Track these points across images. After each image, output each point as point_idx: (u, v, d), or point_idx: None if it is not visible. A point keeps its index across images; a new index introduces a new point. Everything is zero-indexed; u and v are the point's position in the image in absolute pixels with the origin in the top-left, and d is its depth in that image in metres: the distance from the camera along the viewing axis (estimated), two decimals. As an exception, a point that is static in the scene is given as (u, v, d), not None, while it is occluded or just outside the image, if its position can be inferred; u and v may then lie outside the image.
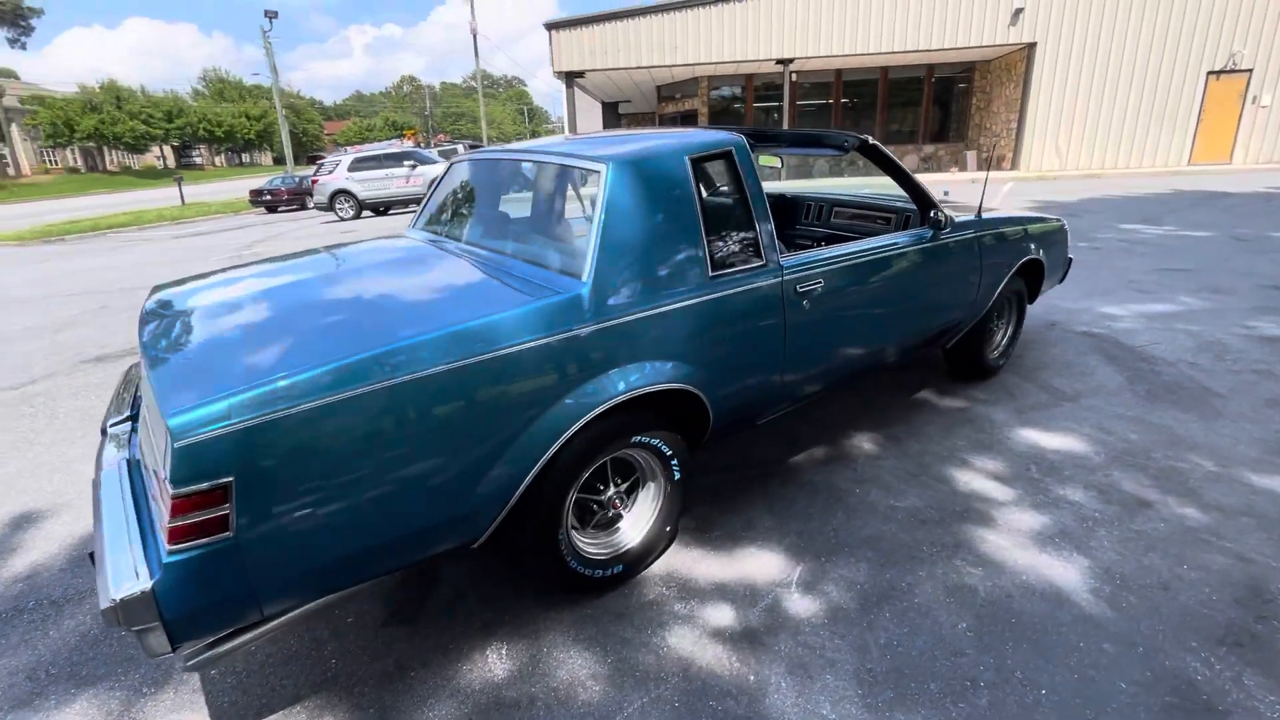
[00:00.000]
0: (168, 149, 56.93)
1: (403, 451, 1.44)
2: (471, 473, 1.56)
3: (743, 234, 2.10)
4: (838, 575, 2.04)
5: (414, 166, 15.47)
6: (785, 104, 16.77)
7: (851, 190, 3.28)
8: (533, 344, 1.59)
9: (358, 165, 15.45)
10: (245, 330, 1.64)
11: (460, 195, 2.68)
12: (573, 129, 17.42)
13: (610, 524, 2.06)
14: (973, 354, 3.34)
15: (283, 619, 1.40)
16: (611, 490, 2.00)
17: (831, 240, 3.34)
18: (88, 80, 46.42)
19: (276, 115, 52.17)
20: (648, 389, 1.80)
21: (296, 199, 18.10)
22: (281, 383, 1.31)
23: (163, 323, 1.85)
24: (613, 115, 22.61)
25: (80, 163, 51.29)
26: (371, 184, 15.34)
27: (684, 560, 2.15)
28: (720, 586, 2.02)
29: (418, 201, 16.07)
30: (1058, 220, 3.63)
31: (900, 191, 3.07)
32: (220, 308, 1.87)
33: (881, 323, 2.59)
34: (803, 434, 3.00)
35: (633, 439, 1.90)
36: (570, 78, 16.60)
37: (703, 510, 2.42)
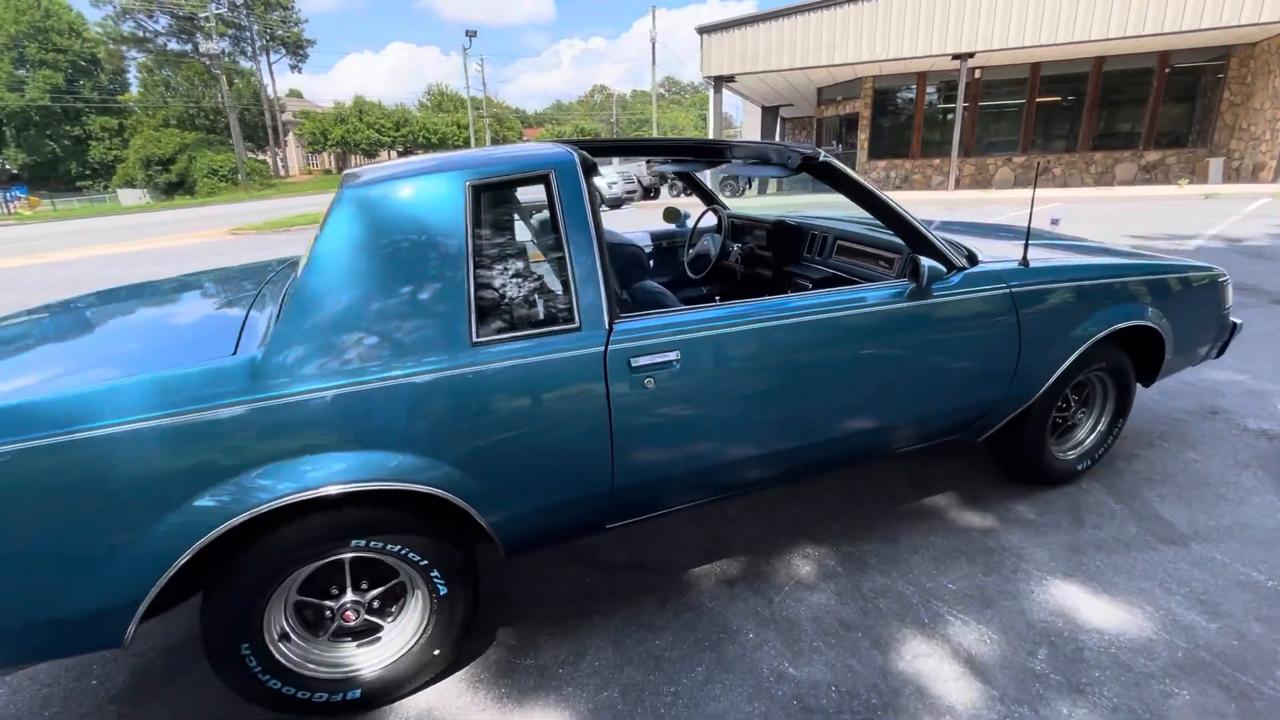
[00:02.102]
0: (394, 154, 66.34)
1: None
2: (73, 576, 1.26)
3: (544, 285, 1.57)
4: (618, 778, 1.43)
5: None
6: (960, 105, 14.68)
7: (865, 217, 2.49)
8: (145, 424, 1.25)
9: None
10: None
11: None
12: (719, 135, 16.89)
13: (366, 633, 1.66)
14: (1026, 450, 2.37)
15: None
16: (349, 597, 1.59)
17: (825, 286, 2.58)
18: (359, 97, 55.44)
19: (483, 124, 57.94)
20: (350, 488, 1.37)
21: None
22: None
23: None
24: (772, 120, 21.64)
25: (333, 165, 61.73)
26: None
27: (457, 699, 1.67)
28: (465, 752, 1.52)
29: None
30: (1205, 270, 2.47)
31: (928, 226, 2.25)
32: None
33: (811, 411, 1.87)
34: (724, 531, 2.32)
35: (355, 542, 1.47)
36: (719, 82, 16.10)
37: (531, 623, 1.91)
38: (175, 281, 2.30)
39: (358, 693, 1.59)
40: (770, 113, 21.54)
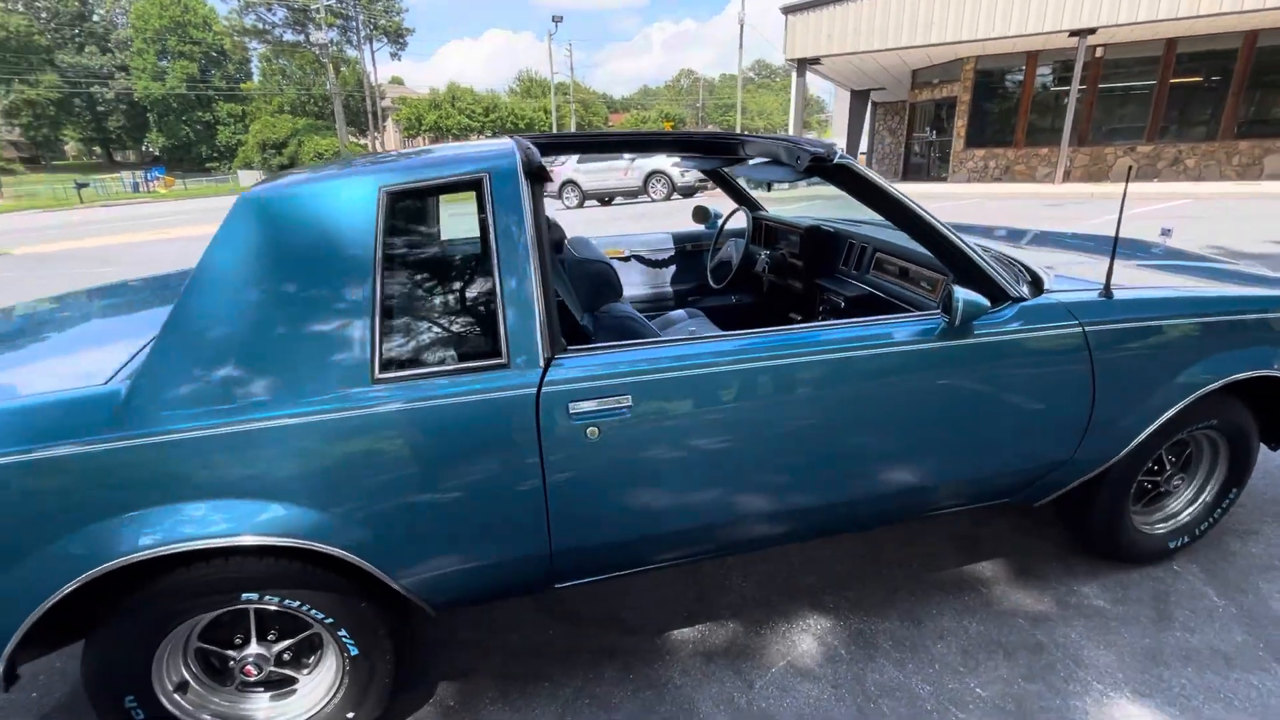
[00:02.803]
0: (483, 137, 68.38)
1: None
2: None
3: (468, 311, 1.32)
4: None
5: (632, 160, 15.88)
6: (1075, 87, 13.17)
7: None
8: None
9: (585, 157, 16.38)
10: None
11: None
12: (799, 123, 16.07)
13: (281, 684, 1.50)
14: (1102, 520, 1.92)
15: None
16: (252, 649, 1.43)
17: (854, 311, 2.20)
18: (452, 83, 57.65)
19: (569, 110, 58.69)
20: (221, 543, 1.19)
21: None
22: None
23: None
24: (862, 105, 20.39)
25: (426, 149, 64.58)
26: (594, 176, 16.16)
27: (369, 767, 1.48)
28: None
29: (635, 194, 16.55)
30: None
31: (989, 244, 1.83)
32: None
33: (808, 470, 1.54)
34: (716, 585, 2.01)
35: (245, 596, 1.30)
36: (802, 65, 15.26)
37: (476, 682, 1.70)
38: (121, 286, 2.20)
39: (265, 750, 1.44)
40: (860, 97, 20.28)
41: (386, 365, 1.25)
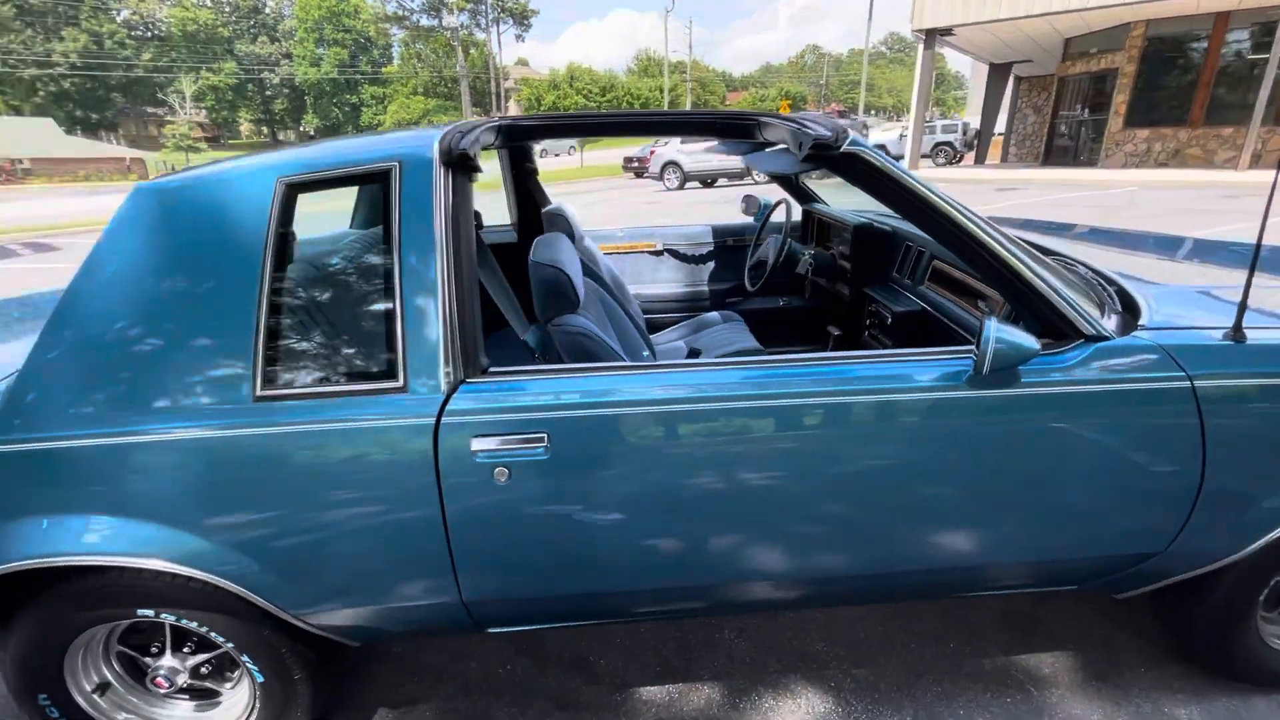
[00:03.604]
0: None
1: None
2: None
3: (365, 325, 1.15)
4: None
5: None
6: (1277, 55, 10.94)
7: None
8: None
9: (689, 137, 16.05)
10: None
11: None
12: (924, 101, 14.65)
13: (206, 695, 1.45)
14: (1216, 627, 1.47)
15: None
16: (165, 661, 1.37)
17: (900, 329, 1.82)
18: (572, 64, 58.82)
19: (685, 88, 58.05)
20: (94, 560, 1.12)
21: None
22: None
23: None
24: (1002, 79, 18.27)
25: (544, 129, 66.45)
26: (696, 157, 15.77)
27: (281, 797, 1.40)
28: None
29: (739, 176, 16.00)
30: None
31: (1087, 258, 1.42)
32: None
33: (787, 536, 1.24)
34: (701, 641, 1.74)
35: (141, 612, 1.24)
36: (930, 36, 13.86)
37: (420, 715, 1.57)
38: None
39: (179, 764, 1.39)
40: (999, 71, 18.15)
41: (270, 382, 1.11)
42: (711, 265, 2.74)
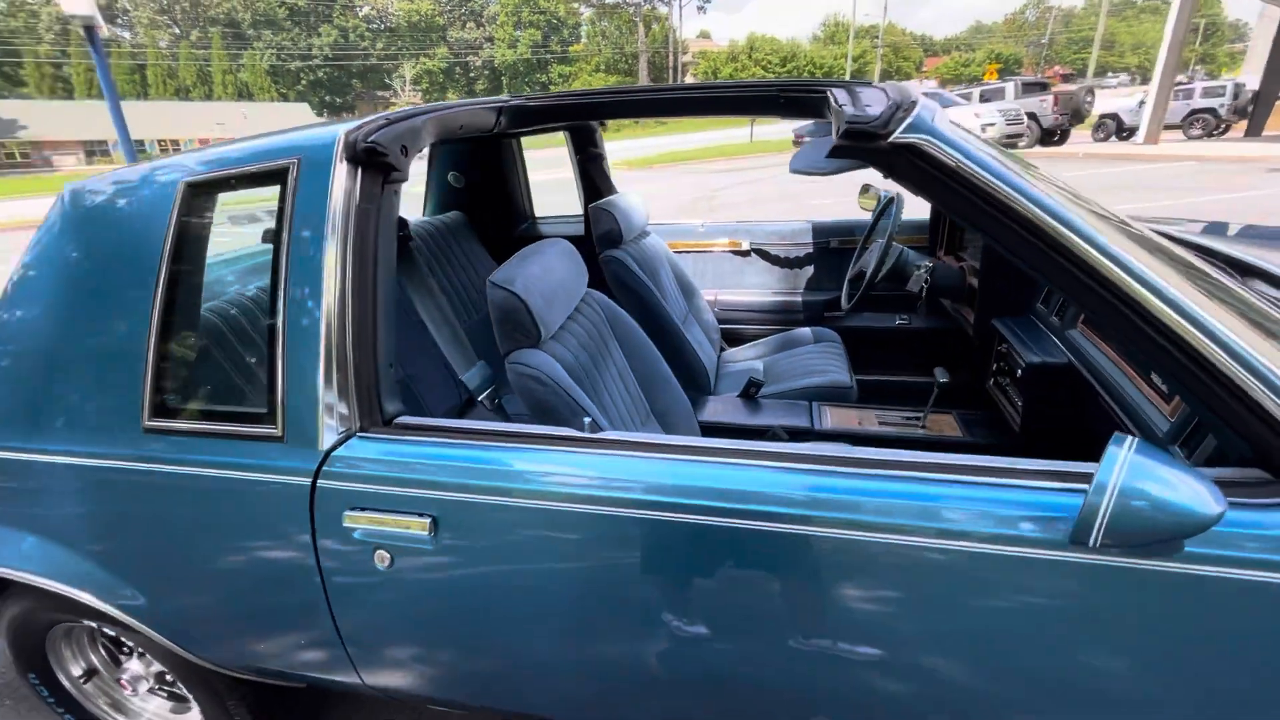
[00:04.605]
0: (778, 91, 66.30)
1: None
2: None
3: (247, 356, 0.97)
4: None
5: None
6: None
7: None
8: None
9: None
10: None
11: None
12: (1176, 55, 11.73)
13: (180, 698, 1.45)
14: None
15: None
16: (133, 665, 1.38)
17: (1031, 388, 1.29)
18: (752, 34, 57.14)
19: (874, 55, 53.70)
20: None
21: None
22: None
23: None
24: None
25: (719, 104, 65.40)
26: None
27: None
28: None
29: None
30: None
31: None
32: None
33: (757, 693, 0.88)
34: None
35: (85, 621, 1.23)
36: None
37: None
38: None
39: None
40: (1300, 14, 14.03)
41: (159, 411, 0.98)
42: (809, 270, 2.28)
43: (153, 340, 0.98)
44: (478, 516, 0.86)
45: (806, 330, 2.15)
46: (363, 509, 0.90)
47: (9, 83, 43.57)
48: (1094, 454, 0.66)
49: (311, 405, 0.92)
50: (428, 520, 0.87)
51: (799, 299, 2.30)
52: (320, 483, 0.91)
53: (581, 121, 2.11)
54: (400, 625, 0.97)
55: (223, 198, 1.02)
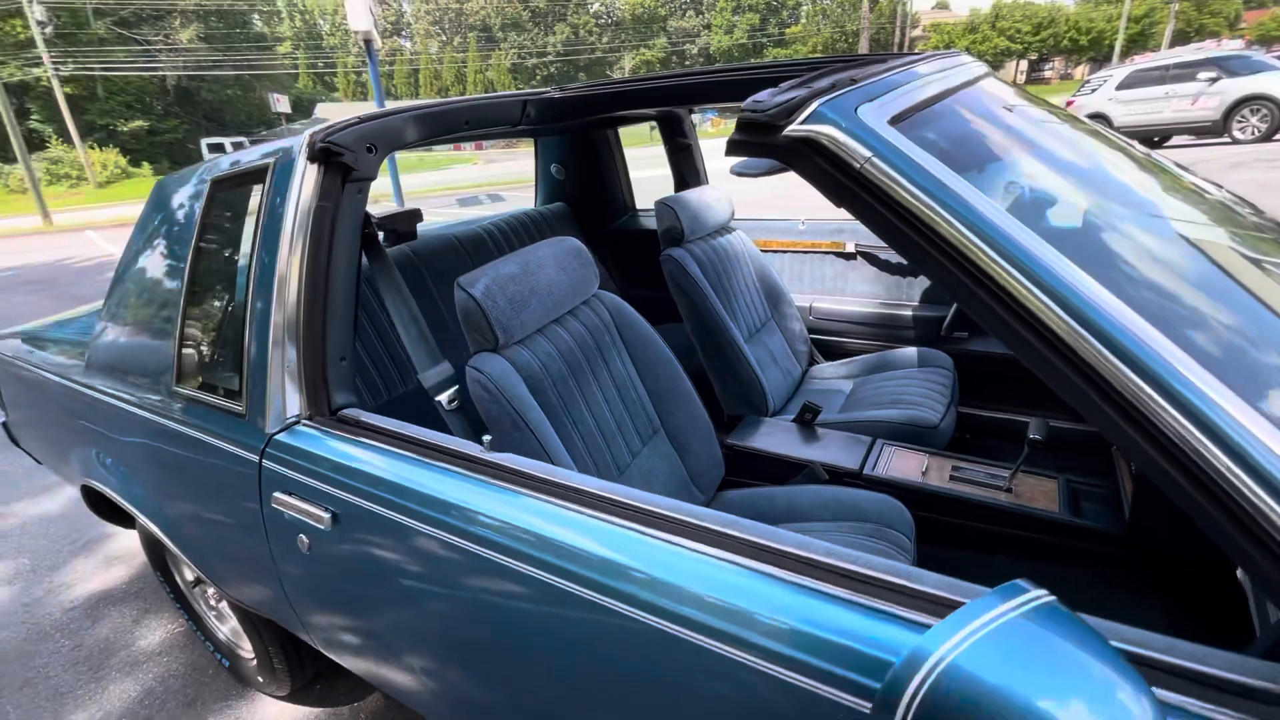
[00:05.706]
0: (1023, 64, 57.34)
1: None
2: None
3: (230, 339, 1.06)
4: None
5: (1214, 80, 10.93)
6: None
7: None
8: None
9: (1134, 80, 12.03)
10: None
11: None
12: None
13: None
14: None
15: None
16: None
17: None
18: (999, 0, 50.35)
19: (1162, 13, 44.06)
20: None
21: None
22: None
23: None
24: None
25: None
26: (1138, 105, 11.80)
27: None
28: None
29: (1211, 130, 11.41)
30: None
31: None
32: None
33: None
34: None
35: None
36: None
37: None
38: None
39: (227, 663, 1.67)
40: None
41: (182, 378, 1.14)
42: (925, 281, 1.92)
43: (180, 318, 1.15)
44: (367, 519, 0.87)
45: (912, 351, 1.82)
46: (288, 493, 0.96)
47: (326, 88, 54.66)
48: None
49: (262, 389, 1.00)
50: (329, 516, 0.90)
51: (909, 313, 1.95)
52: (264, 462, 0.99)
53: (634, 111, 2.00)
54: (317, 599, 1.03)
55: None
